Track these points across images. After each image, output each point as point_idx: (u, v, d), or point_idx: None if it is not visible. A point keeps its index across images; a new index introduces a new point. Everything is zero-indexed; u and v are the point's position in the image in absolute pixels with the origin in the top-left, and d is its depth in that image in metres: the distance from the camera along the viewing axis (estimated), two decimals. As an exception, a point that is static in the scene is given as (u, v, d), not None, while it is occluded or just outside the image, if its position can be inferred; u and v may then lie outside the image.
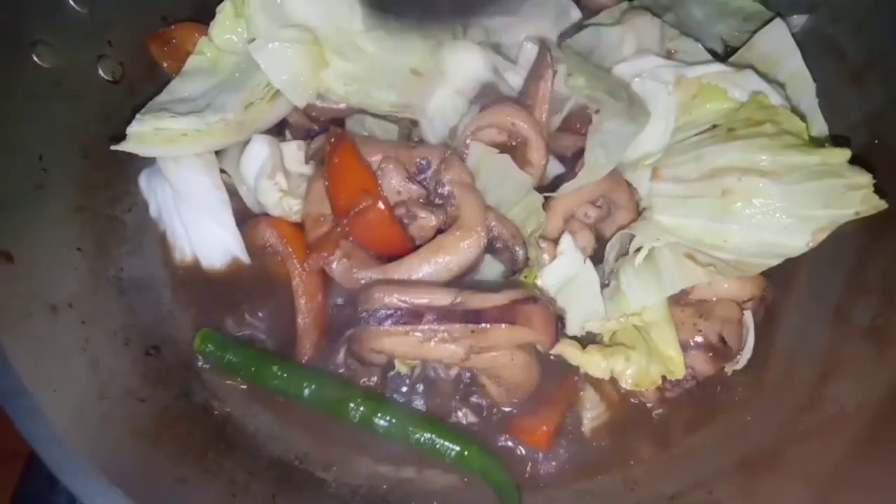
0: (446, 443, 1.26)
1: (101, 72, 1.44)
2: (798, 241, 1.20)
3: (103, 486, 1.01)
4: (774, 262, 1.23)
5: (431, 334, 1.16)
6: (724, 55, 1.53)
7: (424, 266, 1.23)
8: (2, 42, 1.24)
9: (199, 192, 1.39)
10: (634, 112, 1.30)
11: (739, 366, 1.35)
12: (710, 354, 1.29)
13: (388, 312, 1.17)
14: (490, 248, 1.27)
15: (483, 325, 1.15)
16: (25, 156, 1.29)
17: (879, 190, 1.19)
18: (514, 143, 1.33)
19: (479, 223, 1.23)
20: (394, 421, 1.26)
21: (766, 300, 1.35)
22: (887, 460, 1.15)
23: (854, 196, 1.20)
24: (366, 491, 1.29)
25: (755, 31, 1.52)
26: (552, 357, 1.31)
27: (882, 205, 1.19)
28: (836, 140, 1.30)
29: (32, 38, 1.30)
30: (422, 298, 1.17)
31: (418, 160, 1.29)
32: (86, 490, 1.01)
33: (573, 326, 1.32)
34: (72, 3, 1.37)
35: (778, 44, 1.46)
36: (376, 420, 1.26)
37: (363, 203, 1.23)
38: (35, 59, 1.30)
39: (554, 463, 1.32)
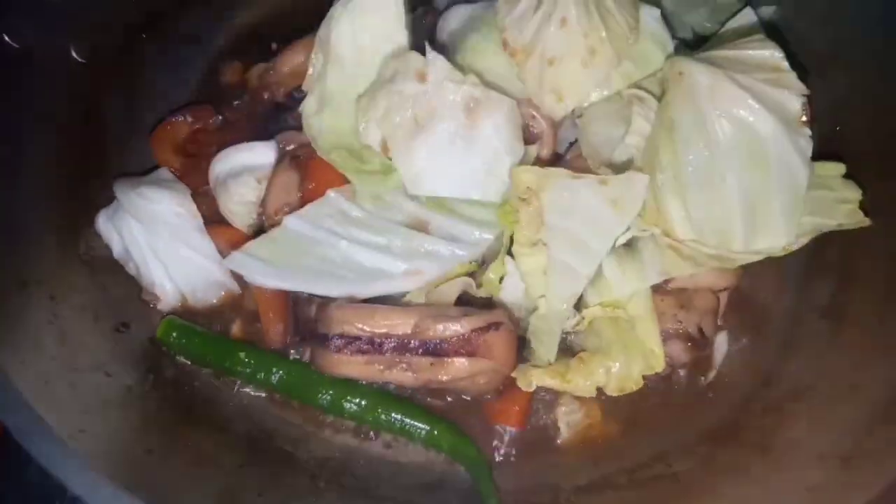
0: (416, 423, 1.28)
1: (73, 53, 1.45)
2: (780, 242, 1.22)
3: (67, 454, 1.02)
4: (755, 258, 1.25)
5: (391, 364, 1.18)
6: (694, 44, 1.55)
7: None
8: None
9: (172, 221, 1.35)
10: (619, 113, 1.30)
11: (713, 376, 1.38)
12: (689, 345, 1.30)
13: (347, 341, 1.18)
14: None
15: (442, 358, 1.17)
16: (-5, 134, 1.30)
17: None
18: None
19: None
20: (363, 403, 1.28)
21: (739, 289, 1.38)
22: (843, 435, 1.18)
23: (841, 209, 1.25)
24: (334, 464, 1.30)
25: (725, 21, 1.55)
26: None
27: (865, 221, 1.24)
28: (832, 155, 1.32)
29: (4, 18, 1.30)
30: (381, 326, 1.18)
31: None
32: (50, 458, 1.02)
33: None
34: (44, -17, 1.38)
35: (747, 34, 1.47)
36: (345, 404, 1.28)
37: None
38: (7, 39, 1.31)
39: (521, 440, 1.33)
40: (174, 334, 1.33)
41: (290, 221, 1.23)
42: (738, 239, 1.19)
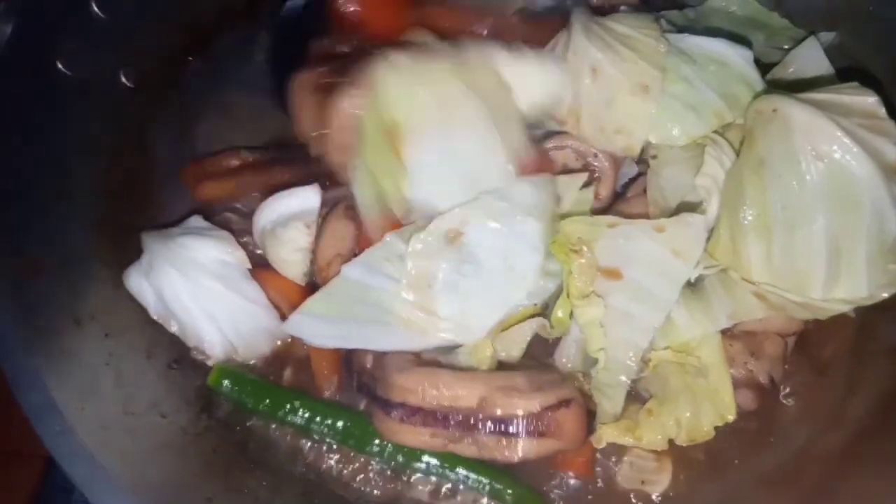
0: (480, 478, 1.25)
1: (123, 79, 1.43)
2: (861, 292, 1.18)
3: (132, 506, 1.01)
4: (845, 308, 1.21)
5: (456, 439, 1.14)
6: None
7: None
8: (28, 52, 1.23)
9: (218, 270, 1.28)
10: (694, 161, 1.27)
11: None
12: (759, 393, 1.27)
13: (409, 411, 1.14)
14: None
15: (511, 437, 1.13)
16: (48, 165, 1.28)
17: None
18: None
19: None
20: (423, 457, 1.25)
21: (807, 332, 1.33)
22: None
23: None
24: (388, 509, 1.28)
25: (783, 48, 1.51)
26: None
27: None
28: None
29: (58, 46, 1.29)
30: (445, 398, 1.13)
31: None
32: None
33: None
34: (95, 9, 1.36)
35: (813, 63, 1.42)
36: (401, 457, 1.25)
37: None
38: (60, 67, 1.29)
39: (587, 489, 1.30)
40: (225, 382, 1.29)
41: (348, 270, 1.18)
42: (818, 285, 1.16)
